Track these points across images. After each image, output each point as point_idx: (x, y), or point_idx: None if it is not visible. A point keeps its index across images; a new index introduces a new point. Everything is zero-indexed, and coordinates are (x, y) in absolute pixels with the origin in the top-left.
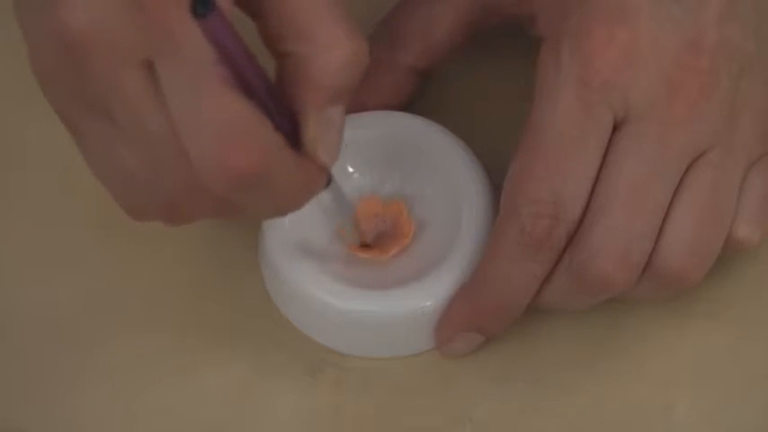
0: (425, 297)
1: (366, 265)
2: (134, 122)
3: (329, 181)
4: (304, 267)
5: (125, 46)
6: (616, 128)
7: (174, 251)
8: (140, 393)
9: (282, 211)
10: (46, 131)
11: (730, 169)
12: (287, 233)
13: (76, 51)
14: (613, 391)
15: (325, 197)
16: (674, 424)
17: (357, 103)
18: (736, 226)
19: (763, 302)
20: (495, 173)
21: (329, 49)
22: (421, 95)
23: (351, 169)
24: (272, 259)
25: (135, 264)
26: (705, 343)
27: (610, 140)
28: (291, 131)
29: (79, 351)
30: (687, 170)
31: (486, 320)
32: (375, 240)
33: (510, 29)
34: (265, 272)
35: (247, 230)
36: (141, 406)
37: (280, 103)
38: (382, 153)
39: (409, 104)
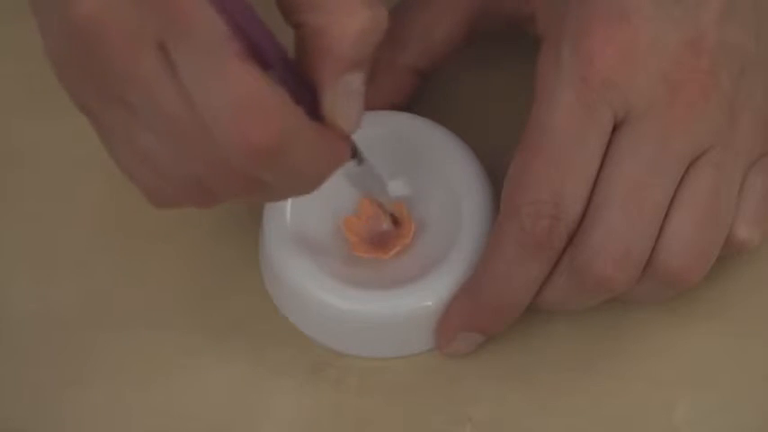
0: (426, 297)
1: (366, 264)
2: (152, 105)
3: (354, 154)
4: (304, 267)
5: (136, 29)
6: (616, 127)
7: (174, 250)
8: (140, 393)
9: (308, 185)
10: (45, 132)
11: (730, 169)
12: (287, 233)
13: (88, 38)
14: (613, 391)
15: (353, 170)
16: (674, 424)
17: None
18: (737, 226)
19: (763, 302)
20: (495, 173)
21: (345, 18)
22: (421, 95)
23: None
24: (272, 259)
25: (135, 264)
26: (705, 343)
27: (610, 140)
28: (312, 102)
29: (79, 351)
30: (687, 170)
31: (486, 320)
32: (375, 241)
33: (510, 29)
34: (265, 272)
35: (247, 230)
36: (141, 406)
37: (298, 75)
38: (383, 153)
39: (409, 104)
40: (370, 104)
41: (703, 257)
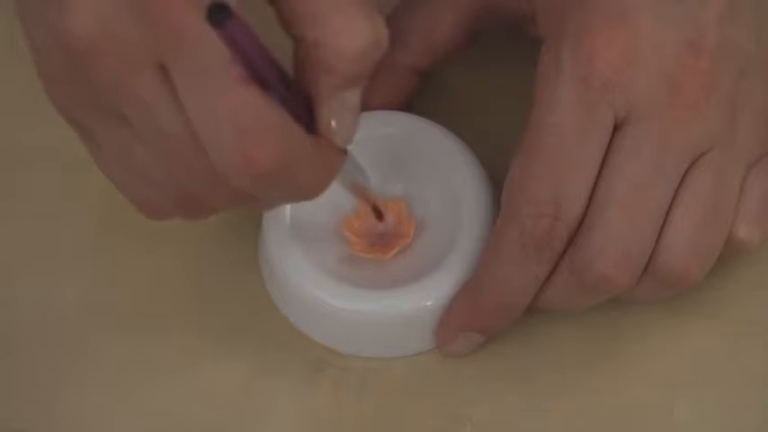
0: (425, 297)
1: (366, 265)
2: (149, 124)
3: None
4: (304, 267)
5: (135, 51)
6: (617, 128)
7: (174, 251)
8: (140, 393)
9: (304, 198)
10: (47, 132)
11: (730, 169)
12: (287, 233)
13: (86, 59)
14: (613, 391)
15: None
16: (674, 424)
17: None
18: (737, 226)
19: (763, 302)
20: (495, 173)
21: (345, 34)
22: (421, 95)
23: None
24: (272, 259)
25: (135, 264)
26: (705, 343)
27: (610, 140)
28: (308, 115)
29: (79, 351)
30: (687, 170)
31: (486, 321)
32: (375, 241)
33: (510, 29)
34: (265, 272)
35: (247, 230)
36: (141, 406)
37: (296, 90)
38: (382, 153)
39: (409, 104)
40: (371, 104)
41: (703, 257)
